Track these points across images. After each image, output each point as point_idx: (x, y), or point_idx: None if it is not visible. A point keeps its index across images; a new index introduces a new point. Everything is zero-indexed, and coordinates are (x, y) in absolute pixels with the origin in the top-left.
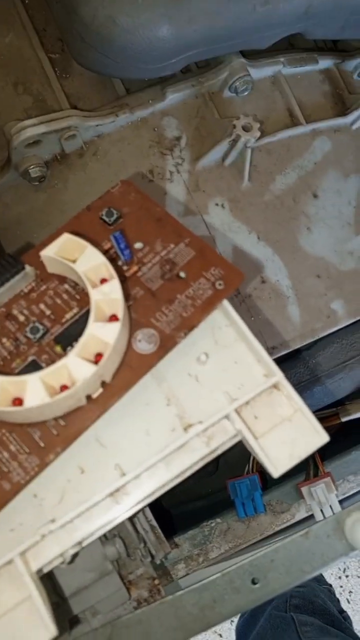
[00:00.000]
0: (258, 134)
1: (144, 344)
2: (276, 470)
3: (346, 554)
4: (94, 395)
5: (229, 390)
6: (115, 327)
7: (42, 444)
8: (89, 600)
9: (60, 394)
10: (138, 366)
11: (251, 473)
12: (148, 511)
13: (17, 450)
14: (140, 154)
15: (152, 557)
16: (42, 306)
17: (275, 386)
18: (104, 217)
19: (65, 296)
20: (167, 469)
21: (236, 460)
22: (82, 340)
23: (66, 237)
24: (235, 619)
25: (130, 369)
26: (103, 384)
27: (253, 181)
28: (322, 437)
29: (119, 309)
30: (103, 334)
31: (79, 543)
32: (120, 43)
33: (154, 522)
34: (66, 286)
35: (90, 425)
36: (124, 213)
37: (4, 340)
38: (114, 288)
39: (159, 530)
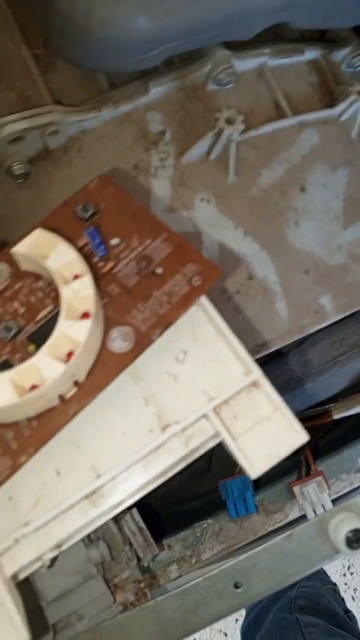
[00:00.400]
0: (242, 126)
1: (119, 342)
2: (254, 471)
3: (330, 556)
4: (67, 395)
5: (207, 389)
6: (87, 325)
7: (14, 446)
8: (73, 604)
9: (29, 394)
10: (113, 365)
11: (243, 472)
12: (136, 513)
13: None
14: (124, 149)
15: (139, 559)
16: (16, 304)
17: (254, 384)
18: (79, 213)
19: (40, 294)
20: (144, 470)
21: (229, 460)
22: (52, 338)
23: (38, 233)
24: (241, 619)
25: (105, 368)
26: (76, 383)
27: (239, 175)
28: (300, 437)
29: (91, 306)
30: (73, 332)
31: (58, 546)
32: (98, 35)
33: (142, 524)
34: (41, 283)
35: (63, 426)
36: (101, 208)
37: None
38: (86, 285)
39: (147, 532)
